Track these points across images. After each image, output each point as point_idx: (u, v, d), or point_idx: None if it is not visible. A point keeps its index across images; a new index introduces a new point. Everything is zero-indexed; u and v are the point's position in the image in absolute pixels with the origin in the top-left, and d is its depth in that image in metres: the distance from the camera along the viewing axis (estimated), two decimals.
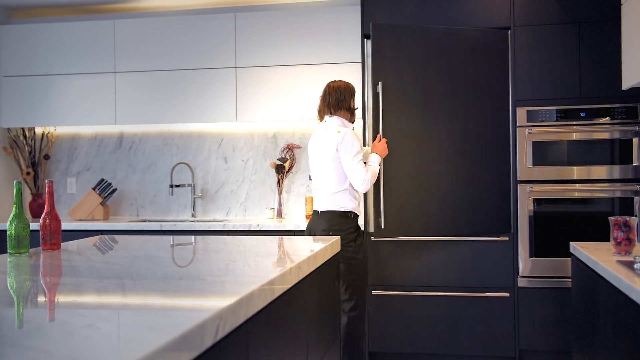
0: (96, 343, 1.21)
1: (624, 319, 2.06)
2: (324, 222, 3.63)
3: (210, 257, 2.52)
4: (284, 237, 3.43)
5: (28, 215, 5.04)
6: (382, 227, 3.80)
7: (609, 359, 2.26)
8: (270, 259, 2.58)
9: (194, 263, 2.43)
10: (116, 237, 3.31)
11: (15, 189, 2.56)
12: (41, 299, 1.74)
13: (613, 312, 2.19)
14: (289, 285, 2.13)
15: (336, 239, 3.07)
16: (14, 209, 2.56)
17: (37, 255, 2.52)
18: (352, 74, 4.23)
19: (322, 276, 2.74)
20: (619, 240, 2.47)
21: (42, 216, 2.64)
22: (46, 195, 2.66)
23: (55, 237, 2.68)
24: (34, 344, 1.22)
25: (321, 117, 3.76)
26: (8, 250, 2.56)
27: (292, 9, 4.57)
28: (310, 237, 3.27)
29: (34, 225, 3.51)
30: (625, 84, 3.17)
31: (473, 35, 3.96)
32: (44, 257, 2.50)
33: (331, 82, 3.78)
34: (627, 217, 2.46)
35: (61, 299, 1.72)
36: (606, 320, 2.28)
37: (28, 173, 4.97)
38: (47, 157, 5.05)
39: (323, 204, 3.68)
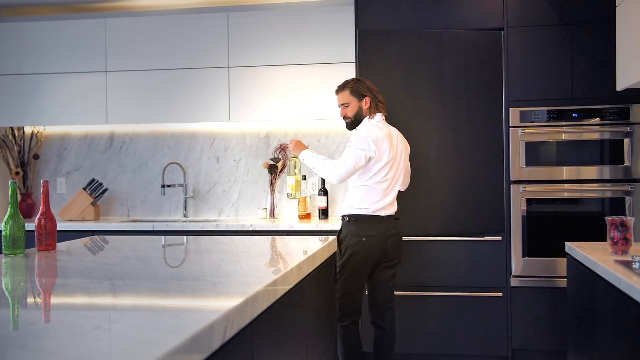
0: (108, 345, 1.20)
1: (623, 318, 2.08)
2: (396, 227, 3.56)
3: (210, 258, 2.51)
4: (282, 237, 3.42)
5: None
6: None
7: (607, 358, 2.27)
8: (270, 259, 2.57)
9: (193, 264, 2.41)
10: (110, 237, 3.28)
11: (10, 189, 2.53)
12: (43, 300, 1.72)
13: (612, 312, 2.20)
14: (291, 286, 2.12)
15: (333, 239, 3.06)
16: (9, 209, 2.53)
17: (33, 256, 2.49)
18: (346, 74, 4.22)
19: (320, 276, 2.74)
20: (615, 240, 2.49)
21: (37, 216, 2.62)
22: (41, 196, 2.63)
23: (51, 237, 2.65)
24: (43, 346, 1.20)
25: (381, 112, 3.55)
26: (3, 251, 2.53)
27: (286, 9, 4.55)
28: (307, 238, 3.25)
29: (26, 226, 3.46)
30: (620, 85, 3.19)
31: (465, 37, 3.99)
32: (40, 257, 2.47)
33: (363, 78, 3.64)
34: (624, 217, 2.48)
35: (64, 300, 1.70)
36: (605, 319, 2.29)
37: (17, 173, 4.92)
38: (36, 156, 5.00)
39: (395, 207, 3.57)
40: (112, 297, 1.71)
